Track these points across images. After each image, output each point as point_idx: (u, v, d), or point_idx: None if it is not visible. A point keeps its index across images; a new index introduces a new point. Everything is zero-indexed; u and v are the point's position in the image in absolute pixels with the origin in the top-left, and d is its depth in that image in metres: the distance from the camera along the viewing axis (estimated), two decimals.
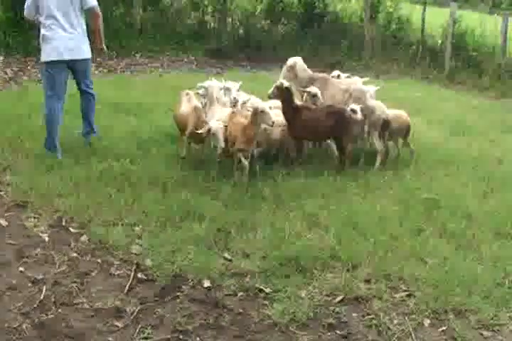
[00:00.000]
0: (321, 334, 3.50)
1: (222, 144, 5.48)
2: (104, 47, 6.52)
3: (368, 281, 4.03)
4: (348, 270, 4.15)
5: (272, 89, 6.01)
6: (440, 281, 4.01)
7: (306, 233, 4.64)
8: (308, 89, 6.37)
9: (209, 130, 5.47)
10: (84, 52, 6.19)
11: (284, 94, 5.90)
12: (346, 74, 7.45)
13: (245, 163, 5.52)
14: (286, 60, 7.04)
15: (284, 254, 4.26)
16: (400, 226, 4.81)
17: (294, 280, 4.00)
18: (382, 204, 5.21)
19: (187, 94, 6.31)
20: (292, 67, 6.81)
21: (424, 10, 14.32)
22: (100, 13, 6.29)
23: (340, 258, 4.27)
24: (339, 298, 3.84)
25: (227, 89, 6.20)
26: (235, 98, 5.94)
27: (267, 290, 3.89)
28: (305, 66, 6.92)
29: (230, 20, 15.68)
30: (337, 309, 3.74)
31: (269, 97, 6.09)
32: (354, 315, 3.70)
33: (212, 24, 15.74)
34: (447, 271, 4.14)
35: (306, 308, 3.68)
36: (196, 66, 12.91)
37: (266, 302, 3.79)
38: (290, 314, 3.63)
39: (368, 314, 3.70)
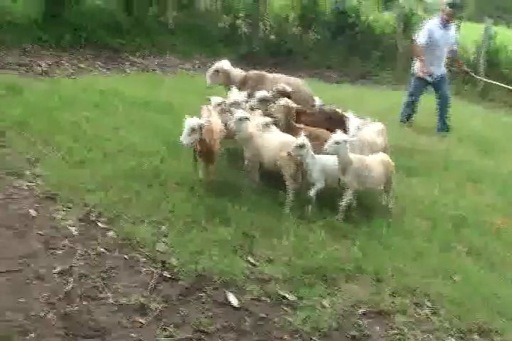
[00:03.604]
0: None
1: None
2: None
3: (392, 295, 4.01)
4: (372, 283, 4.14)
5: (271, 93, 6.00)
6: (466, 300, 3.98)
7: (331, 243, 4.63)
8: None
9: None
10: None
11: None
12: None
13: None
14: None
15: (309, 263, 4.26)
16: (427, 242, 4.79)
17: (318, 289, 4.00)
18: (409, 219, 5.18)
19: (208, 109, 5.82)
20: (219, 70, 6.88)
21: (459, 24, 14.23)
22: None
23: (365, 271, 4.27)
24: (363, 310, 3.83)
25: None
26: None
27: (291, 297, 3.89)
28: (232, 67, 7.05)
29: (261, 25, 15.75)
30: (360, 321, 3.73)
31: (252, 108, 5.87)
32: (377, 328, 3.69)
33: (244, 29, 15.80)
34: (473, 290, 4.11)
35: (329, 318, 3.68)
36: None
37: (289, 309, 3.79)
38: (312, 322, 3.63)
39: (392, 328, 3.69)
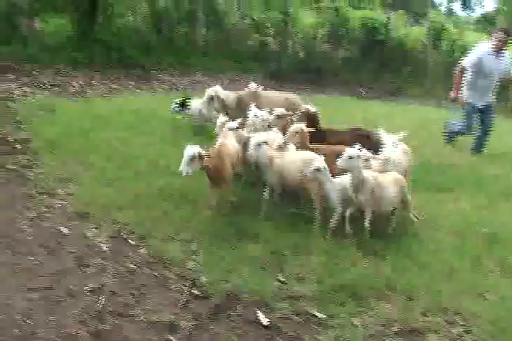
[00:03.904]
0: None
1: None
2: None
3: (424, 314, 3.94)
4: (403, 301, 4.07)
5: (296, 116, 6.11)
6: (499, 318, 3.88)
7: (361, 260, 4.58)
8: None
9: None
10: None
11: (310, 119, 5.97)
12: None
13: None
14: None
15: (339, 280, 4.22)
16: (459, 259, 4.70)
17: (348, 307, 3.95)
18: (439, 236, 5.11)
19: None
20: (213, 98, 6.98)
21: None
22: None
23: (396, 289, 4.20)
24: (394, 329, 3.77)
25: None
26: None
27: (321, 315, 3.86)
28: (225, 92, 7.11)
29: (290, 42, 15.89)
30: (392, 340, 3.66)
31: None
32: None
33: (273, 46, 15.97)
34: (507, 309, 4.01)
35: (360, 337, 3.63)
36: None
37: (319, 327, 3.75)
38: None
39: None
